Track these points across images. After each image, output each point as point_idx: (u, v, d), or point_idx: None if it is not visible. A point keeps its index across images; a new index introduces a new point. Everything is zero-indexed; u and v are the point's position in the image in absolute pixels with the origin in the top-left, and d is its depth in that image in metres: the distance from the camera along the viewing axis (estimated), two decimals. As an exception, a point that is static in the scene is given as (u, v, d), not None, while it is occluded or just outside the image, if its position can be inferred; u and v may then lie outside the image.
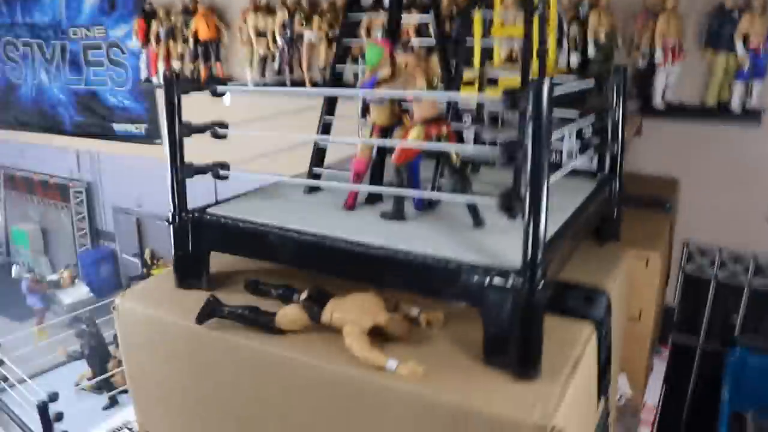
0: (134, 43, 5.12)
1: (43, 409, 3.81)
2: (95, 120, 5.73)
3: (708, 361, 3.44)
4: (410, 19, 2.25)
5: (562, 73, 3.08)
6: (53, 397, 3.86)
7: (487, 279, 1.37)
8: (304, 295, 1.61)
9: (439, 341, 1.52)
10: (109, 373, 4.44)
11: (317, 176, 2.01)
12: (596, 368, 1.68)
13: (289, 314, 1.56)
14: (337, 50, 2.07)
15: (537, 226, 1.30)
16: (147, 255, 5.50)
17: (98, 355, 4.58)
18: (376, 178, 1.89)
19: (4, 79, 6.80)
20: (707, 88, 3.13)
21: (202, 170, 1.80)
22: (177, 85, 1.73)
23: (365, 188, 1.85)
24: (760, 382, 3.13)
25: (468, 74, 2.08)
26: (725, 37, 2.99)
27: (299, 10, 4.05)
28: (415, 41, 1.85)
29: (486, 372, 1.39)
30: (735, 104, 3.04)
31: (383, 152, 1.88)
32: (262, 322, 1.57)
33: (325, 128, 2.02)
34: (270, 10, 4.19)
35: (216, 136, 1.79)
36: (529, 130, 1.26)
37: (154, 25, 4.82)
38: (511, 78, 2.12)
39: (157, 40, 4.82)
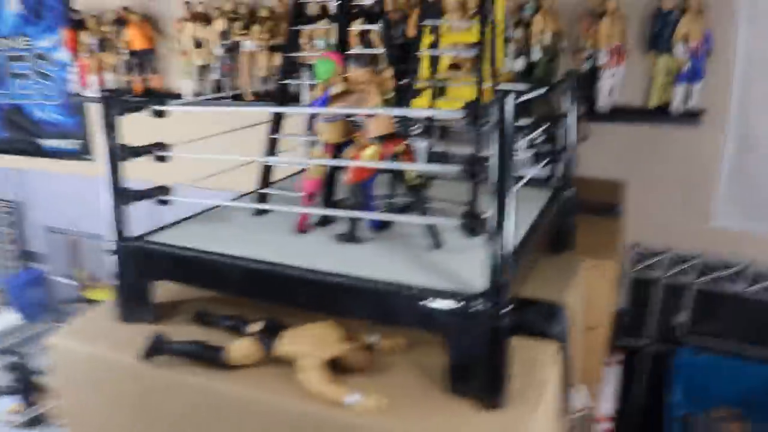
0: (63, 54, 4.89)
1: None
2: (21, 136, 5.45)
3: (657, 363, 3.48)
4: (359, 29, 2.18)
5: (508, 78, 3.07)
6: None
7: (452, 305, 1.32)
8: (256, 327, 1.52)
9: (401, 370, 1.45)
10: (42, 409, 4.20)
11: (265, 197, 1.92)
12: (560, 387, 1.65)
13: (241, 348, 1.48)
14: (283, 64, 1.98)
15: (502, 248, 1.25)
16: (82, 277, 5.27)
17: (30, 388, 4.33)
18: (329, 198, 1.81)
19: None
20: (650, 90, 3.16)
21: (143, 195, 1.69)
22: (115, 105, 1.61)
23: (319, 211, 1.77)
24: (708, 382, 3.17)
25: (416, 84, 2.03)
26: (665, 39, 3.02)
27: (238, 19, 3.93)
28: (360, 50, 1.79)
29: (452, 402, 1.33)
30: (676, 106, 3.07)
31: (335, 171, 1.80)
32: (212, 358, 1.48)
33: (273, 145, 1.93)
34: (207, 19, 4.05)
35: (158, 159, 1.68)
36: (495, 148, 1.20)
37: (83, 35, 4.62)
38: (461, 89, 2.08)
39: (88, 51, 4.61)
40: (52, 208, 5.60)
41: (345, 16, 1.91)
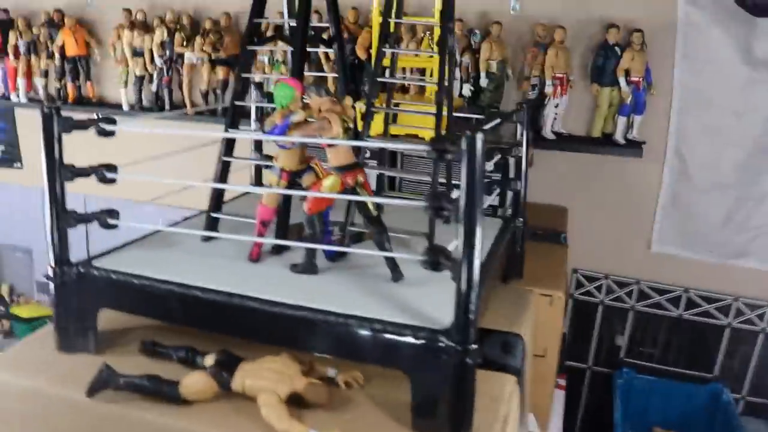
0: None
1: None
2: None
3: (599, 385, 3.56)
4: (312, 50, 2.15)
5: (458, 104, 3.09)
6: None
7: (418, 340, 1.29)
8: (210, 360, 1.46)
9: (361, 405, 1.42)
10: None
11: (216, 221, 1.86)
12: (517, 419, 1.64)
13: (196, 382, 1.41)
14: (236, 84, 1.92)
15: (471, 283, 1.24)
16: (4, 291, 4.99)
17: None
18: (284, 225, 1.76)
19: None
20: (593, 120, 3.25)
21: (86, 219, 1.60)
22: (58, 122, 1.52)
23: (276, 242, 1.71)
24: (647, 403, 3.27)
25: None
26: (609, 72, 3.12)
27: (180, 30, 3.82)
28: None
29: (415, 438, 1.31)
30: (618, 136, 3.16)
31: (290, 198, 1.76)
32: (165, 392, 1.40)
33: (225, 168, 1.87)
34: (147, 28, 3.93)
35: (103, 180, 1.60)
36: (463, 183, 1.19)
37: (12, 36, 4.40)
38: (420, 119, 2.08)
39: (16, 53, 4.40)
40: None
41: (301, 38, 1.87)
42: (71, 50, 4.22)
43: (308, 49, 1.97)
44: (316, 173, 1.69)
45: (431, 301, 1.41)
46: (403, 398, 1.34)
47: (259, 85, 2.21)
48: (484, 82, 3.20)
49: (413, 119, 2.28)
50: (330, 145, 1.53)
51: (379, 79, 1.84)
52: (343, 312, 1.37)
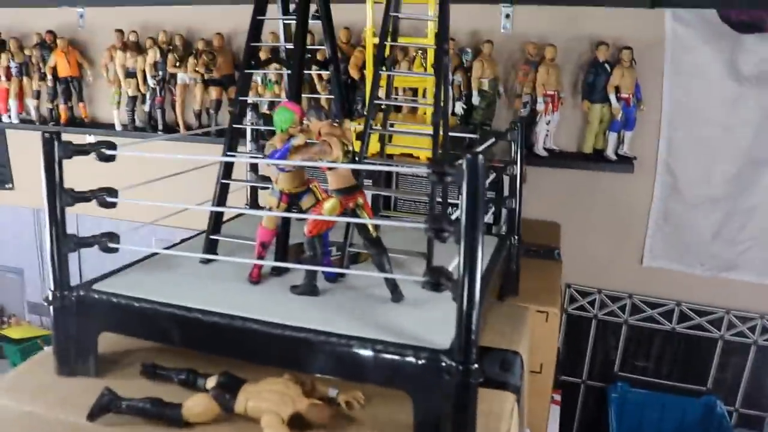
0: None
1: None
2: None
3: (593, 399, 3.58)
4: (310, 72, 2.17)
5: (451, 123, 3.12)
6: None
7: (419, 361, 1.31)
8: (212, 382, 1.47)
9: (363, 425, 1.43)
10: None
11: (216, 242, 1.87)
12: (516, 437, 1.66)
13: (198, 405, 1.41)
14: (234, 109, 1.94)
15: (472, 304, 1.25)
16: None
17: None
18: (284, 247, 1.78)
19: None
20: (584, 136, 3.29)
21: (87, 243, 1.61)
22: (58, 147, 1.54)
23: (276, 264, 1.73)
24: (641, 416, 3.29)
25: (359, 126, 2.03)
26: (599, 89, 3.16)
27: (172, 50, 3.85)
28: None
29: (417, 459, 1.32)
30: (610, 152, 3.20)
31: (289, 220, 1.77)
32: (167, 415, 1.40)
33: (224, 190, 1.88)
34: (140, 49, 3.95)
35: (104, 205, 1.61)
36: (464, 205, 1.21)
37: (3, 58, 4.41)
38: (414, 138, 2.10)
39: (8, 75, 4.41)
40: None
41: (299, 61, 1.89)
42: (63, 71, 4.22)
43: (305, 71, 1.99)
44: (315, 195, 1.72)
45: (432, 321, 1.43)
46: (404, 417, 1.35)
47: (254, 106, 2.23)
48: (476, 100, 3.23)
49: (408, 139, 2.30)
50: (330, 168, 1.55)
51: (376, 102, 1.86)
52: (345, 333, 1.39)
